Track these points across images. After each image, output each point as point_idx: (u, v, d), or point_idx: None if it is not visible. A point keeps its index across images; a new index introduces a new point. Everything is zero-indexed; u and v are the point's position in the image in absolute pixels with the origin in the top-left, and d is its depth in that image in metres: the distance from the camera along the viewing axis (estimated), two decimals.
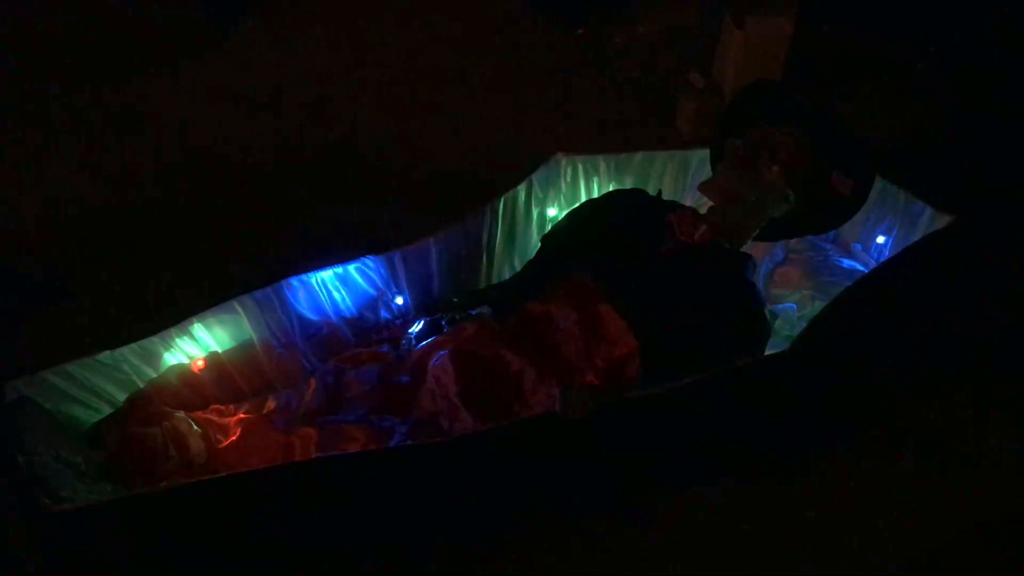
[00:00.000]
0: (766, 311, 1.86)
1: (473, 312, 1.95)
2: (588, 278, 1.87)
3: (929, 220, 2.14)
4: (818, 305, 2.14)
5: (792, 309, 2.26)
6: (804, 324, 1.84)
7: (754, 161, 1.86)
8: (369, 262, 2.03)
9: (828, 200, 1.91)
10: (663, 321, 1.76)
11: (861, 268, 2.35)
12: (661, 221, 1.92)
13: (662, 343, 1.75)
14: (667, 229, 1.90)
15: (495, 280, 2.25)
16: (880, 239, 2.32)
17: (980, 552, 1.69)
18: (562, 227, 2.06)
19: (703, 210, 1.95)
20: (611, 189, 2.24)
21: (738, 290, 1.81)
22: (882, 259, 2.28)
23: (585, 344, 1.80)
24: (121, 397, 1.78)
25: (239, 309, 1.88)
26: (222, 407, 1.87)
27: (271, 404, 1.87)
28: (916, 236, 2.14)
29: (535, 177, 2.20)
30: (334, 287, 2.02)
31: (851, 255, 2.43)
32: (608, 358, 1.77)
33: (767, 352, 1.82)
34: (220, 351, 1.90)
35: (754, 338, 1.80)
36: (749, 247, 2.12)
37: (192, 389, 1.87)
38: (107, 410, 1.76)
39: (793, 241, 2.48)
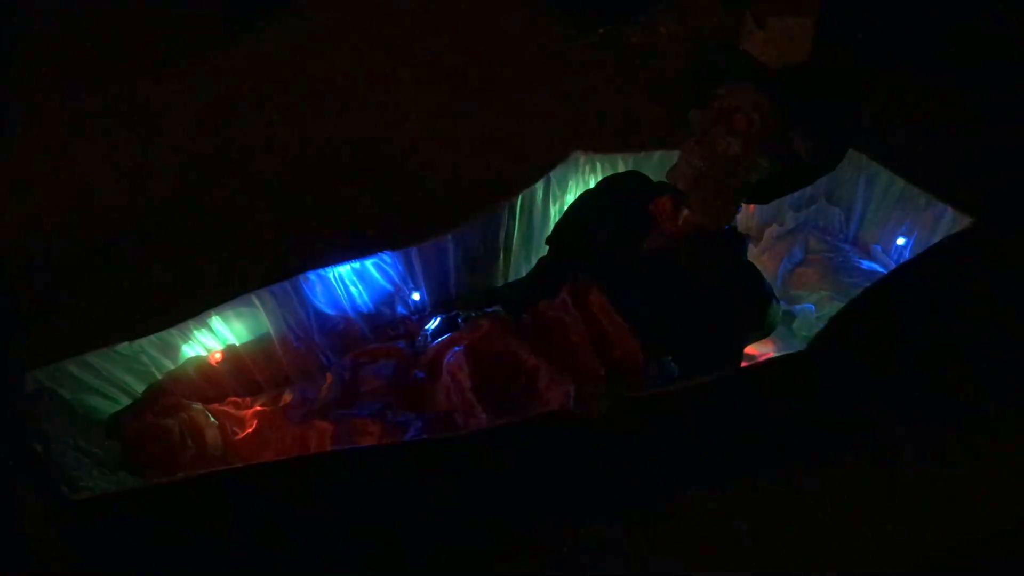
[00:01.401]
0: (765, 286, 1.80)
1: (488, 310, 1.95)
2: (587, 278, 1.87)
3: (950, 222, 2.12)
4: (837, 306, 2.12)
5: (810, 310, 2.25)
6: (823, 325, 1.83)
7: (713, 136, 1.74)
8: (386, 258, 2.03)
9: (794, 161, 1.77)
10: (660, 318, 1.76)
11: (880, 269, 2.34)
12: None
13: (662, 339, 1.76)
14: (652, 219, 1.85)
15: (512, 277, 2.26)
16: (900, 241, 2.31)
17: (990, 557, 1.67)
18: (563, 224, 2.05)
19: None
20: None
21: (732, 274, 1.79)
22: (902, 261, 2.27)
23: (592, 343, 1.81)
24: (139, 388, 1.80)
25: (257, 303, 1.89)
26: (239, 399, 1.88)
27: (287, 397, 1.88)
28: (937, 238, 2.13)
29: (553, 175, 2.20)
30: (351, 282, 2.02)
31: (871, 256, 2.42)
32: (614, 356, 1.78)
33: (785, 352, 1.81)
34: (238, 344, 1.91)
35: (755, 317, 1.77)
36: (770, 246, 2.11)
37: (209, 381, 1.88)
38: (125, 401, 1.78)
39: (812, 242, 2.47)
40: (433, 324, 1.99)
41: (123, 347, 1.74)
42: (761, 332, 1.79)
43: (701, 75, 1.84)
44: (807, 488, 1.76)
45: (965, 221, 2.06)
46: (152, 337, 1.78)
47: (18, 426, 1.50)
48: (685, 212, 1.80)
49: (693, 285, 1.75)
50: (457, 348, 1.83)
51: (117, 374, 1.76)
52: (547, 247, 2.08)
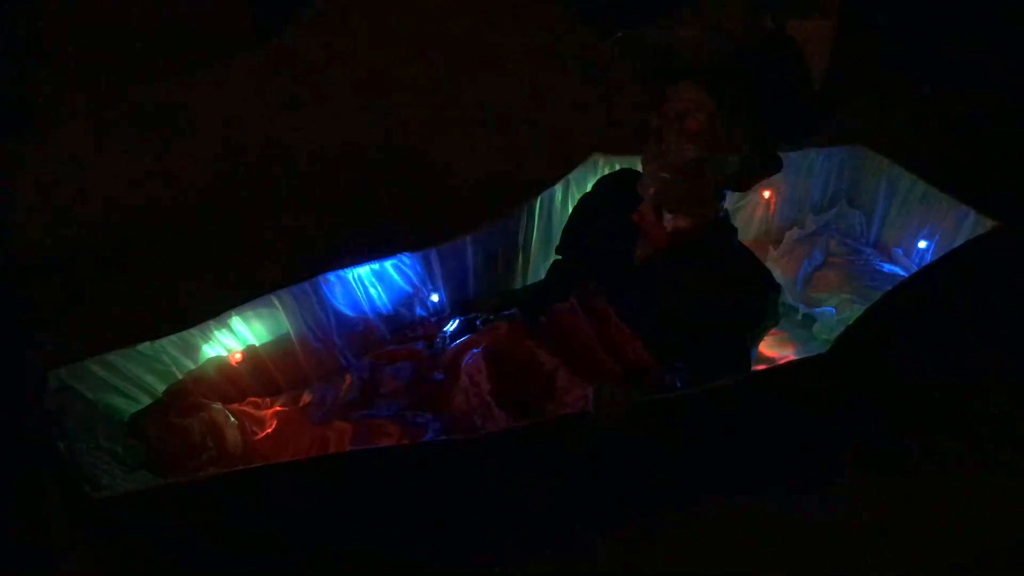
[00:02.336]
0: (762, 276, 1.76)
1: (506, 312, 1.95)
2: (593, 285, 1.87)
3: (972, 225, 2.11)
4: (857, 309, 2.12)
5: (831, 313, 2.24)
6: (843, 328, 1.81)
7: (668, 143, 1.67)
8: (406, 259, 2.04)
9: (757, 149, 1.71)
10: (662, 325, 1.75)
11: (902, 273, 2.32)
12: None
13: (668, 345, 1.76)
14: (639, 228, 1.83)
15: (530, 280, 2.26)
16: (922, 244, 2.30)
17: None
18: (566, 231, 2.05)
19: None
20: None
21: (727, 270, 1.75)
22: (924, 264, 2.25)
23: (604, 348, 1.81)
24: (160, 388, 1.81)
25: (277, 303, 1.90)
26: (258, 400, 1.89)
27: (307, 398, 1.89)
28: (959, 241, 2.11)
29: (572, 177, 2.20)
30: (370, 283, 2.03)
31: (892, 260, 2.41)
32: (626, 360, 1.78)
33: (805, 355, 1.80)
34: (257, 344, 1.92)
35: (755, 309, 1.73)
36: (790, 249, 2.07)
37: (229, 381, 1.89)
38: (146, 400, 1.79)
39: (833, 245, 2.46)
40: (451, 326, 1.99)
41: (144, 347, 1.76)
42: (764, 324, 1.76)
43: (649, 78, 1.79)
44: (826, 493, 1.75)
45: (988, 224, 2.04)
46: (173, 337, 1.79)
47: (41, 424, 1.52)
48: (668, 218, 1.78)
49: (689, 288, 1.73)
50: (475, 350, 1.83)
51: (138, 373, 1.77)
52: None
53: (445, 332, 2.00)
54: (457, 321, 2.00)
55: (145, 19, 3.40)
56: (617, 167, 2.23)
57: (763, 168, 1.74)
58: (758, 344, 1.79)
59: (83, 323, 2.07)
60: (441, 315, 2.14)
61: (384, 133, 2.87)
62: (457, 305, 2.16)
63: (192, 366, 1.86)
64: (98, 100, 3.02)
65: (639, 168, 2.19)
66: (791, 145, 1.76)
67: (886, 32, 2.96)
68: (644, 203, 1.81)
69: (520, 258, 2.23)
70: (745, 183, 1.80)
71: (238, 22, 3.41)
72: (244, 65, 3.18)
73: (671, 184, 1.70)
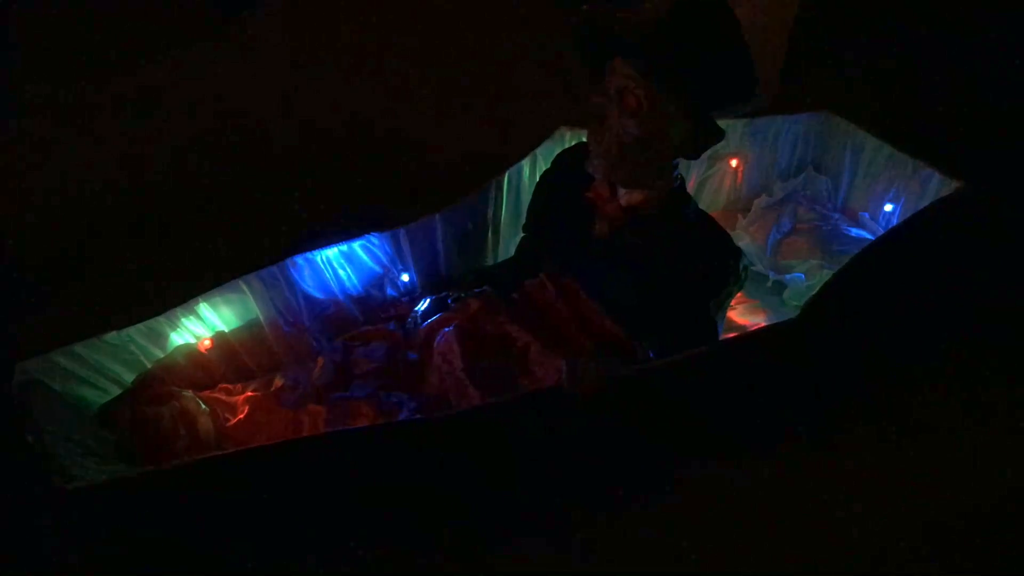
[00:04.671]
0: (722, 241, 1.74)
1: (477, 290, 1.95)
2: (559, 264, 1.87)
3: (938, 186, 2.12)
4: (827, 274, 2.14)
5: (801, 279, 2.26)
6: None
7: (610, 121, 1.64)
8: (374, 239, 2.03)
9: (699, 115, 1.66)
10: (627, 301, 1.76)
11: (869, 236, 2.34)
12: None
13: (636, 320, 1.76)
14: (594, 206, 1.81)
15: (501, 256, 2.26)
16: (888, 207, 2.32)
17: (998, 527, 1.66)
18: (531, 207, 2.04)
19: None
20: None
21: (687, 239, 1.74)
22: (890, 227, 2.27)
23: (575, 323, 1.81)
24: (129, 377, 1.79)
25: (245, 288, 1.88)
26: (230, 386, 1.88)
27: (279, 382, 1.88)
28: (924, 203, 2.13)
29: (540, 152, 2.19)
30: (340, 265, 2.02)
31: (859, 224, 2.43)
32: (597, 334, 1.78)
33: (776, 321, 1.81)
34: (227, 330, 1.90)
35: (718, 275, 1.72)
36: (759, 216, 2.07)
37: (200, 368, 1.88)
38: (116, 391, 1.77)
39: (800, 212, 2.48)
40: (423, 305, 1.98)
41: (111, 337, 1.74)
42: (727, 289, 1.75)
43: (584, 55, 1.75)
44: (801, 458, 1.76)
45: (952, 185, 2.06)
46: (140, 326, 1.77)
47: (9, 418, 1.50)
48: (622, 193, 1.76)
49: (648, 261, 1.72)
50: (447, 329, 1.83)
51: (106, 364, 1.75)
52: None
53: (417, 311, 1.99)
54: (428, 300, 1.99)
55: (109, 3, 3.34)
56: (583, 140, 2.22)
57: (707, 138, 1.71)
58: (725, 310, 1.79)
59: (48, 315, 2.04)
60: (412, 294, 2.13)
61: (350, 113, 2.85)
62: (428, 284, 2.14)
63: (161, 354, 1.84)
64: (60, 87, 2.97)
65: None
66: (733, 114, 1.73)
67: None
68: (596, 180, 1.80)
69: (490, 235, 2.22)
70: (693, 153, 1.76)
71: (201, 6, 3.35)
72: (209, 50, 3.14)
73: (618, 162, 1.68)
